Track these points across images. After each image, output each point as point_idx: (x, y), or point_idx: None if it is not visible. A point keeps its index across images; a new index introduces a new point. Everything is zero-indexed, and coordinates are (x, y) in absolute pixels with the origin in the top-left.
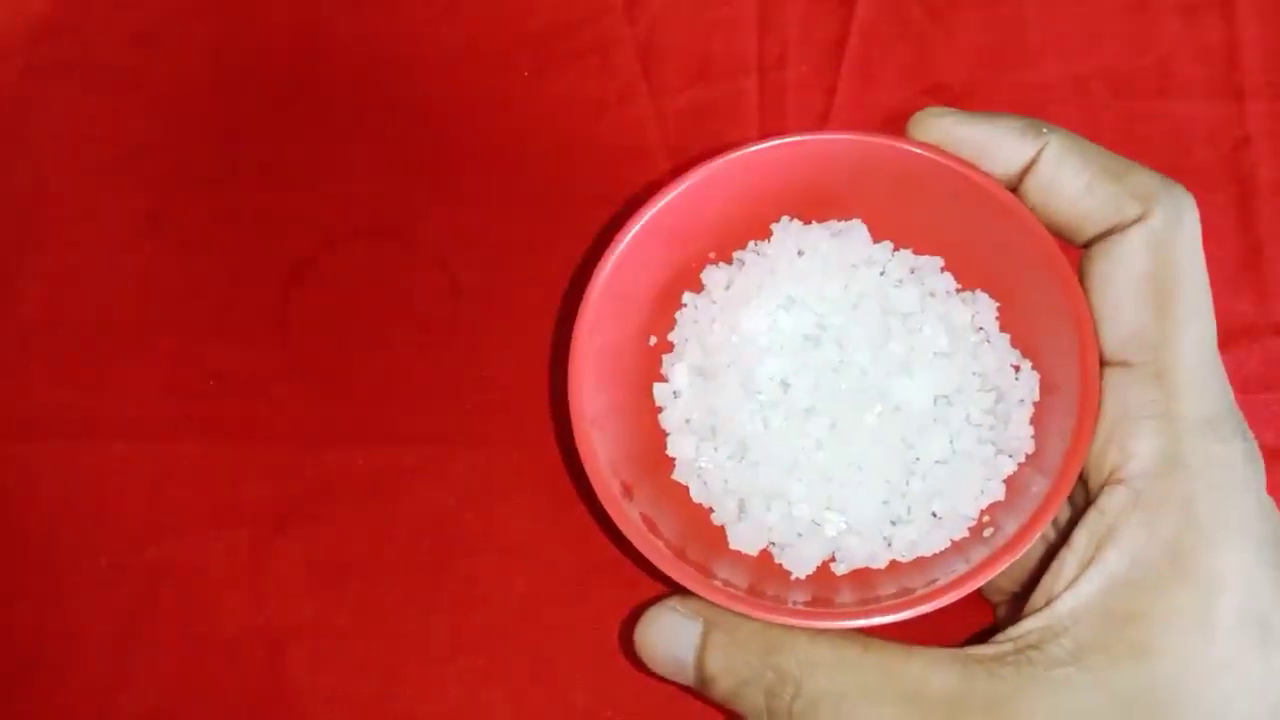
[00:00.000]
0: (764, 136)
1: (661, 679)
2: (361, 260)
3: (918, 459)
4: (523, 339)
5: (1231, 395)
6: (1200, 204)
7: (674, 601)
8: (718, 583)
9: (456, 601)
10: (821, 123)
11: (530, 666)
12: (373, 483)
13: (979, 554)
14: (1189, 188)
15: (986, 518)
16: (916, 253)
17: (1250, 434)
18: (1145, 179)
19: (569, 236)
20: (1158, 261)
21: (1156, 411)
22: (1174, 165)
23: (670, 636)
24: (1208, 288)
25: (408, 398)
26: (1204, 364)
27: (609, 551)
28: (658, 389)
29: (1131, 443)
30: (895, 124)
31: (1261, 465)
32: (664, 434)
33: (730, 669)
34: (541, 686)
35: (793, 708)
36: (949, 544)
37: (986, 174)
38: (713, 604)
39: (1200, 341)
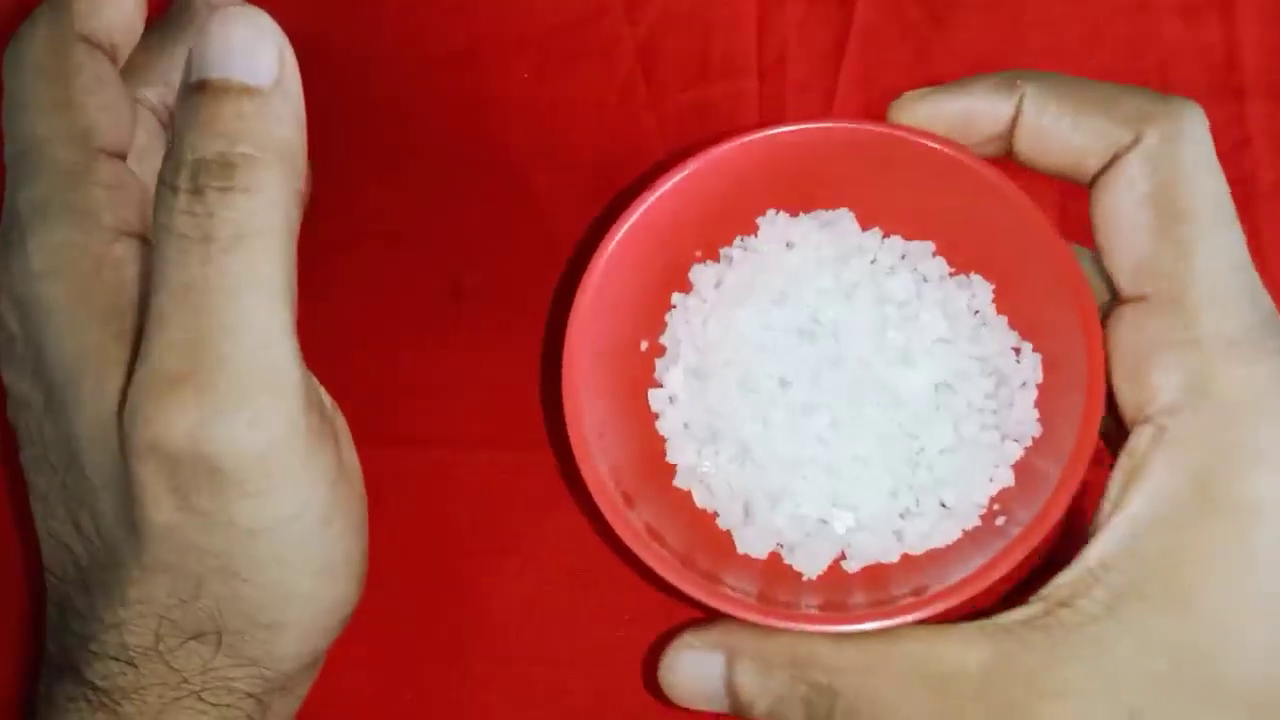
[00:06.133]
0: None
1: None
2: (361, 260)
3: (922, 449)
4: (523, 340)
5: (1267, 306)
6: None
7: (689, 637)
8: (728, 590)
9: (456, 602)
10: None
11: (529, 668)
12: (372, 483)
13: (993, 543)
14: None
15: (997, 505)
16: (906, 238)
17: None
18: (1134, 101)
19: (569, 237)
20: (1158, 182)
21: (1176, 340)
22: None
23: (695, 673)
24: (1225, 197)
25: (408, 398)
26: (1223, 280)
27: (608, 552)
28: (653, 394)
29: (1154, 377)
30: None
31: None
32: (663, 440)
33: (764, 690)
34: (541, 688)
35: (833, 715)
36: (961, 534)
37: (968, 151)
38: (729, 630)
39: (1216, 256)
